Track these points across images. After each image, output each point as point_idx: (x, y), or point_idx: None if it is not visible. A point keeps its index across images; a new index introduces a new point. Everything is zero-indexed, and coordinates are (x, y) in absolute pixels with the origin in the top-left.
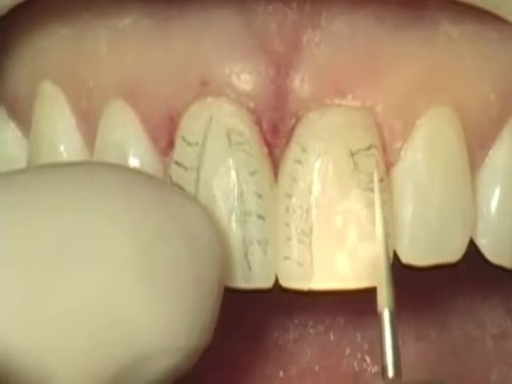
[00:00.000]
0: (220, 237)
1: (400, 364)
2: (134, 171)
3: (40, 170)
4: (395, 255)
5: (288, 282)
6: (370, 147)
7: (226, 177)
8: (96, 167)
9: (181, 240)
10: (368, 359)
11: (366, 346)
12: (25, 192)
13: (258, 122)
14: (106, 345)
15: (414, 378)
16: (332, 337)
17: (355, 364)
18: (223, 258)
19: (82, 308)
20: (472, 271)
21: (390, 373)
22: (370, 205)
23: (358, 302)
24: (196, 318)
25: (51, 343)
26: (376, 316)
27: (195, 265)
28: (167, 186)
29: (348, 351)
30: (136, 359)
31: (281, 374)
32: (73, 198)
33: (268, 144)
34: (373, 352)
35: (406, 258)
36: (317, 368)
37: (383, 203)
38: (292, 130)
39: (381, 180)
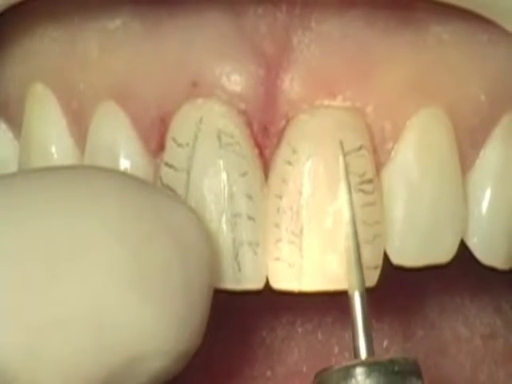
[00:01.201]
0: (210, 241)
1: (372, 345)
2: (125, 175)
3: (32, 173)
4: (386, 256)
5: (278, 284)
6: (360, 148)
7: (216, 178)
8: (88, 171)
9: (171, 244)
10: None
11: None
12: (16, 195)
13: (249, 123)
14: (95, 348)
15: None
16: (320, 336)
17: (343, 363)
18: (213, 262)
19: (72, 311)
20: (461, 270)
21: (363, 353)
22: (361, 205)
23: (346, 301)
24: (186, 322)
25: (40, 347)
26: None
27: (185, 269)
28: (158, 189)
29: (336, 350)
30: (126, 363)
31: (268, 373)
32: (64, 202)
33: (258, 145)
34: None
35: (397, 258)
36: (305, 367)
37: (350, 185)
38: (282, 131)
39: (371, 181)
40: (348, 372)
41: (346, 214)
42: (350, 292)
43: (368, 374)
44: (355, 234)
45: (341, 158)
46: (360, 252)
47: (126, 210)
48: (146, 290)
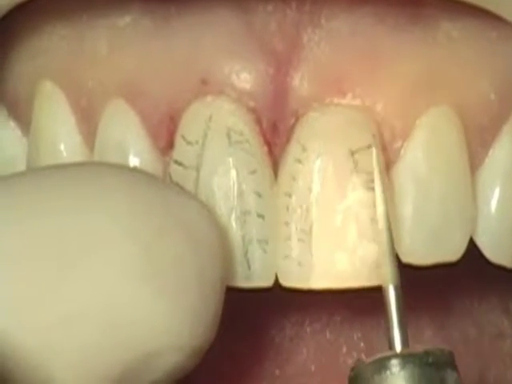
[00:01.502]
0: (221, 235)
1: (407, 338)
2: (135, 171)
3: (41, 171)
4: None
5: (288, 282)
6: (369, 146)
7: (225, 176)
8: (97, 167)
9: (183, 238)
10: (365, 358)
11: (362, 344)
12: (26, 193)
13: (258, 121)
14: (109, 345)
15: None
16: (328, 335)
17: (351, 362)
18: (225, 256)
19: (85, 308)
20: (469, 271)
21: (398, 346)
22: (370, 204)
23: (355, 300)
24: (199, 316)
25: (54, 344)
26: (372, 315)
27: (198, 263)
28: (168, 185)
29: (344, 350)
30: (140, 358)
31: (277, 372)
32: (75, 198)
33: (268, 143)
34: (369, 351)
35: (406, 257)
36: (313, 367)
37: (383, 173)
38: (292, 128)
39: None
40: (382, 364)
41: (379, 208)
42: (384, 285)
43: (402, 366)
44: (389, 227)
45: (374, 152)
46: (393, 245)
47: (137, 206)
48: (158, 285)
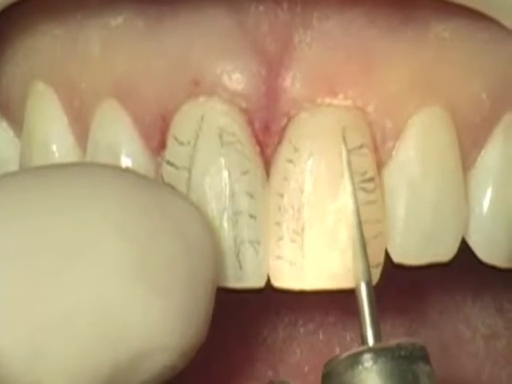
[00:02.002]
0: (212, 235)
1: (380, 332)
2: (128, 171)
3: (34, 171)
4: (387, 254)
5: (280, 282)
6: (361, 146)
7: (217, 176)
8: (90, 167)
9: (175, 238)
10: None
11: (355, 345)
12: (19, 192)
13: (250, 122)
14: (100, 345)
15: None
16: (321, 336)
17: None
18: (216, 257)
19: (76, 309)
20: (463, 270)
21: (370, 340)
22: (362, 204)
23: (348, 301)
24: (190, 317)
25: (44, 345)
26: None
27: (189, 264)
28: (160, 185)
29: (338, 350)
30: (131, 358)
31: (270, 373)
32: (68, 198)
33: (260, 143)
34: None
35: (398, 257)
36: (306, 367)
37: (352, 176)
38: (284, 129)
39: (372, 179)
40: (355, 359)
41: (350, 206)
42: (356, 281)
43: (375, 360)
44: (360, 224)
45: (344, 154)
46: (365, 242)
47: (130, 206)
48: (150, 285)
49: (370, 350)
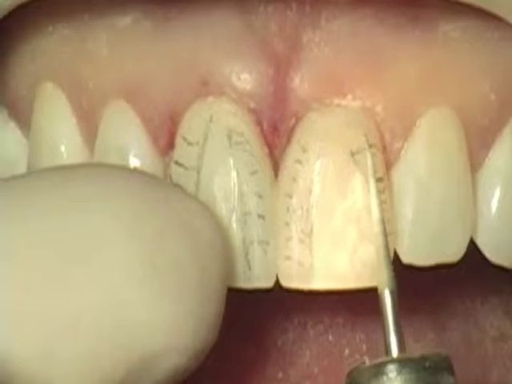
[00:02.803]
0: (222, 236)
1: (403, 342)
2: (136, 171)
3: (43, 173)
4: (396, 255)
5: (288, 282)
6: (370, 147)
7: (226, 177)
8: (98, 168)
9: (184, 239)
10: (367, 360)
11: (364, 346)
12: (27, 194)
13: (259, 122)
14: (111, 347)
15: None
16: (331, 337)
17: (354, 365)
18: (226, 257)
19: (86, 310)
20: (471, 272)
21: (394, 351)
22: (371, 204)
23: (357, 302)
24: (201, 317)
25: (55, 347)
26: (374, 317)
27: (199, 263)
28: (169, 185)
29: (347, 352)
30: (142, 360)
31: (280, 375)
32: (75, 199)
33: (268, 144)
34: (372, 353)
35: (407, 257)
36: (316, 369)
37: (374, 180)
38: (292, 129)
39: (381, 180)
40: (379, 369)
41: (375, 213)
42: (380, 289)
43: (399, 371)
44: (385, 231)
45: (368, 156)
46: (389, 249)
47: (139, 207)
48: (160, 286)
49: (394, 360)
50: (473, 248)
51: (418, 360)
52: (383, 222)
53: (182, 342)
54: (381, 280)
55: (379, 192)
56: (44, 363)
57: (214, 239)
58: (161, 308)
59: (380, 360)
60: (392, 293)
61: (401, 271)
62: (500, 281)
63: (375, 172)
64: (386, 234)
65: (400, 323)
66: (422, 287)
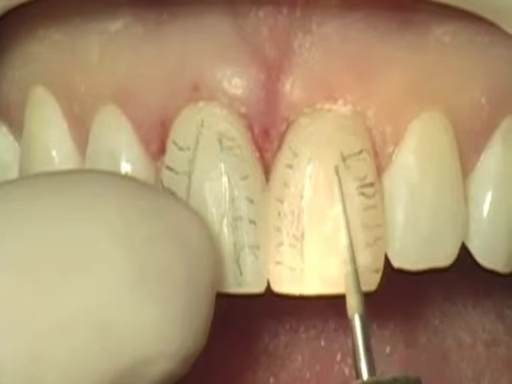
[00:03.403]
0: (212, 242)
1: (374, 366)
2: (127, 178)
3: (34, 178)
4: (387, 259)
5: (279, 287)
6: (361, 152)
7: (217, 181)
8: (89, 175)
9: (174, 246)
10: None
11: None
12: (18, 200)
13: (250, 127)
14: (100, 352)
15: (386, 375)
16: (323, 342)
17: (346, 370)
18: (215, 263)
19: (75, 315)
20: (463, 277)
21: (365, 375)
22: (362, 209)
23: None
24: (190, 323)
25: (44, 352)
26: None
27: (188, 270)
28: (160, 192)
29: (339, 357)
30: (130, 366)
31: (271, 379)
32: (66, 205)
33: (259, 149)
34: None
35: (398, 262)
36: (308, 374)
37: (345, 205)
38: (283, 134)
39: (372, 184)
40: None
41: (343, 238)
42: (350, 314)
43: None
44: (352, 256)
45: (335, 182)
46: (358, 276)
47: (128, 213)
48: (149, 292)
49: (364, 383)
50: (465, 251)
51: (388, 382)
52: (351, 247)
53: (170, 347)
54: (350, 305)
55: (369, 197)
56: (32, 366)
57: (203, 246)
58: (150, 314)
59: None
60: (362, 317)
61: (391, 274)
62: (492, 285)
63: (365, 177)
64: (354, 260)
65: (370, 347)
66: (413, 291)
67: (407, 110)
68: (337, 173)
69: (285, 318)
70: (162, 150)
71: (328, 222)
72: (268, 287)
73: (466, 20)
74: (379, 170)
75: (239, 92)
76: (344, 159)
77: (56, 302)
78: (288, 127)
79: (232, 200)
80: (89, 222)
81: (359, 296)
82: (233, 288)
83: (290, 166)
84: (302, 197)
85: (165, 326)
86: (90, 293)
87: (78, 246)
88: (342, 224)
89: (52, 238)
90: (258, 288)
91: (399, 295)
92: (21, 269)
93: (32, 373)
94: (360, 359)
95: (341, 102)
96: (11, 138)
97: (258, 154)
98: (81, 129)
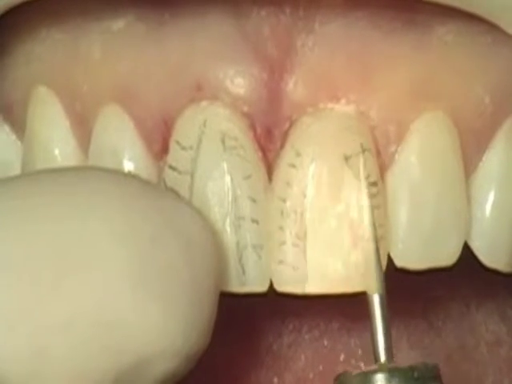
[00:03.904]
0: (215, 241)
1: (392, 348)
2: (130, 177)
3: (35, 175)
4: (389, 259)
5: (282, 287)
6: (363, 151)
7: (220, 181)
8: (91, 172)
9: (176, 244)
10: (362, 365)
11: (360, 351)
12: (20, 198)
13: (252, 126)
14: (102, 351)
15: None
16: (326, 342)
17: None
18: (218, 262)
19: (78, 315)
20: (466, 277)
21: (382, 357)
22: (365, 208)
23: (353, 307)
24: (193, 322)
25: (46, 351)
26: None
27: (191, 269)
28: (162, 191)
29: (342, 357)
30: (133, 365)
31: (275, 380)
32: (68, 203)
33: (262, 148)
34: (367, 358)
35: (401, 261)
36: (311, 374)
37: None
38: (286, 134)
39: (375, 184)
40: (367, 378)
41: (365, 217)
42: (369, 295)
43: (388, 381)
44: (375, 236)
45: (361, 164)
46: (379, 254)
47: (131, 212)
48: (152, 291)
49: (382, 369)
50: (467, 252)
51: (406, 370)
52: (374, 226)
53: (173, 346)
54: (370, 284)
55: (372, 196)
56: (34, 365)
57: (206, 245)
58: (152, 313)
59: (369, 368)
60: (381, 297)
61: (395, 275)
62: (495, 285)
63: (368, 176)
64: (376, 239)
65: (389, 328)
66: (416, 291)
67: (410, 110)
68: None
69: (288, 318)
70: (164, 150)
71: (331, 221)
72: (271, 286)
73: (469, 20)
74: (382, 170)
75: (242, 91)
76: (347, 158)
77: (57, 300)
78: (291, 126)
79: (235, 199)
80: (91, 221)
81: (380, 275)
82: (236, 287)
83: (292, 166)
84: (304, 196)
85: (167, 325)
86: (92, 291)
87: (80, 245)
88: (365, 203)
89: (53, 235)
90: (260, 287)
91: (402, 295)
92: (21, 267)
93: (34, 371)
94: (378, 341)
95: (344, 101)
96: (14, 137)
97: (260, 154)
98: (83, 128)
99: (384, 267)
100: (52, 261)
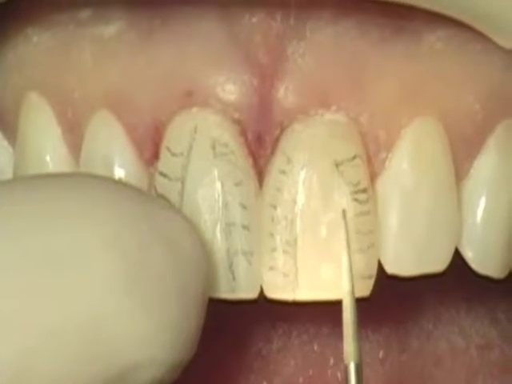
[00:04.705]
0: (205, 249)
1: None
2: (121, 183)
3: (26, 180)
4: (380, 265)
5: (273, 293)
6: (354, 157)
7: (210, 187)
8: (82, 179)
9: (166, 253)
10: None
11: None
12: (9, 204)
13: (243, 133)
14: (89, 358)
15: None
16: (316, 347)
17: (338, 374)
18: (208, 271)
19: (66, 321)
20: (456, 281)
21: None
22: (355, 215)
23: (341, 312)
24: (180, 330)
25: (33, 357)
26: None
27: (179, 277)
28: (153, 198)
29: (332, 361)
30: (120, 372)
31: None
32: (58, 209)
33: (253, 154)
34: None
35: (391, 268)
36: (301, 379)
37: (350, 254)
38: (277, 140)
39: (365, 190)
40: None
41: (345, 283)
42: (345, 362)
43: None
44: (353, 303)
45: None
46: (357, 323)
47: (122, 219)
48: (140, 298)
49: None
50: (458, 256)
51: None
52: (353, 291)
53: (159, 354)
54: (347, 351)
55: (362, 202)
56: (21, 372)
57: (196, 253)
58: (140, 321)
59: None
60: (357, 366)
61: (386, 280)
62: (485, 289)
63: (358, 183)
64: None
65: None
66: (407, 296)
67: (400, 116)
68: (344, 217)
69: (278, 323)
70: (155, 156)
71: (321, 228)
72: (261, 293)
73: (459, 27)
74: (373, 176)
75: (232, 98)
76: (337, 165)
77: (45, 307)
78: (281, 133)
79: (225, 206)
80: (80, 227)
81: (356, 343)
82: (226, 294)
83: (283, 172)
84: (295, 202)
85: (155, 333)
86: (79, 297)
87: (69, 251)
88: (344, 264)
89: (42, 241)
90: (251, 294)
91: (392, 300)
92: (10, 272)
93: (19, 377)
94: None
95: (334, 107)
96: (5, 143)
97: (251, 160)
98: (75, 134)
99: (374, 273)
100: (40, 267)
